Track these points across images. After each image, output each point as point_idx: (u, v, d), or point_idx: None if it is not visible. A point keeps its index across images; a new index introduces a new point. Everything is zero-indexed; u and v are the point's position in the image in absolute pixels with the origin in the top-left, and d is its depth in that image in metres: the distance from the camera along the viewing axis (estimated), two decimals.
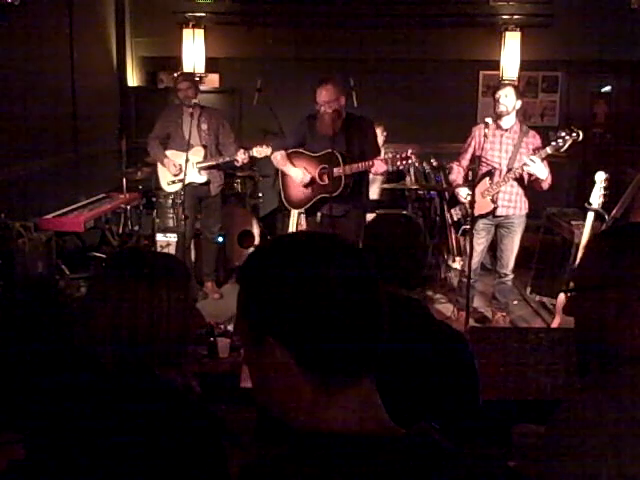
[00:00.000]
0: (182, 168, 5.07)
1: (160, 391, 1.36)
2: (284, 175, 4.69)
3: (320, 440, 0.84)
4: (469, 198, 4.66)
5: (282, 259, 0.91)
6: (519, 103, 4.45)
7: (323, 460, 0.82)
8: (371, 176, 5.62)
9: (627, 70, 7.42)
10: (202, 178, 5.23)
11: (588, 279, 1.29)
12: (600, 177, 4.31)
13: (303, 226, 4.78)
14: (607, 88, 7.69)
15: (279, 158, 4.62)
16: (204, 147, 5.17)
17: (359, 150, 4.41)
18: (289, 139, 4.70)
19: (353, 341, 0.86)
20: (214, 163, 5.19)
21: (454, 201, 4.87)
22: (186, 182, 5.15)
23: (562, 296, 4.02)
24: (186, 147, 5.05)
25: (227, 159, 5.19)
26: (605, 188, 4.30)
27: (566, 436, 1.16)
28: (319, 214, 4.62)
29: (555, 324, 4.36)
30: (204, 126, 5.17)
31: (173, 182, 5.27)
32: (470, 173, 4.84)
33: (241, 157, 5.05)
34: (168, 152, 5.26)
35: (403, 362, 1.60)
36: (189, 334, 1.49)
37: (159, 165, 5.34)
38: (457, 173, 4.81)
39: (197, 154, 5.17)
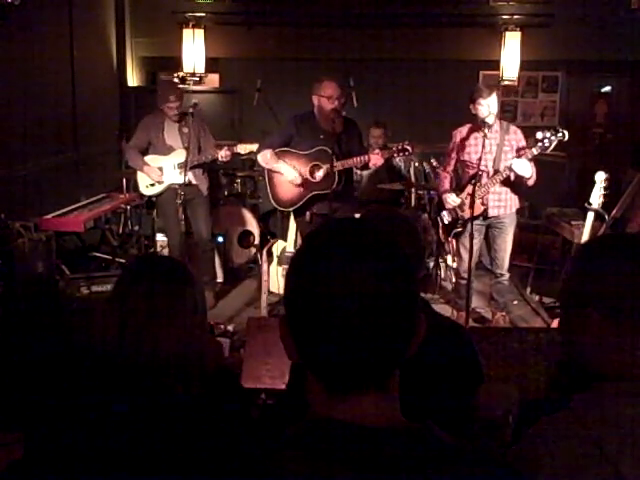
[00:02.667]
0: (163, 171, 5.04)
1: (164, 396, 1.36)
2: (271, 174, 4.66)
3: (329, 426, 0.84)
4: (456, 204, 4.65)
5: (302, 255, 0.90)
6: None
7: (328, 443, 0.82)
8: (368, 176, 5.66)
9: (627, 70, 7.41)
10: (182, 178, 4.96)
11: (567, 294, 1.27)
12: (600, 177, 4.31)
13: None
14: (607, 88, 7.69)
15: (269, 157, 4.57)
16: (186, 149, 4.94)
17: (346, 149, 4.45)
18: (276, 139, 4.65)
19: (354, 356, 0.83)
20: (196, 162, 5.03)
21: (442, 204, 4.86)
22: (167, 184, 5.10)
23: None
24: (167, 151, 5.05)
25: (209, 158, 5.07)
26: (605, 188, 4.30)
27: (530, 455, 1.16)
28: (308, 213, 4.61)
29: (555, 324, 4.36)
30: (185, 129, 5.06)
31: (152, 185, 5.15)
32: (457, 177, 4.86)
33: (223, 153, 4.93)
34: (148, 157, 5.14)
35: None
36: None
37: (138, 172, 5.20)
38: (443, 179, 4.82)
39: (178, 156, 5.07)
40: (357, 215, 4.55)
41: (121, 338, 1.37)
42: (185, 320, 1.40)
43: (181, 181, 4.97)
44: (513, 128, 4.55)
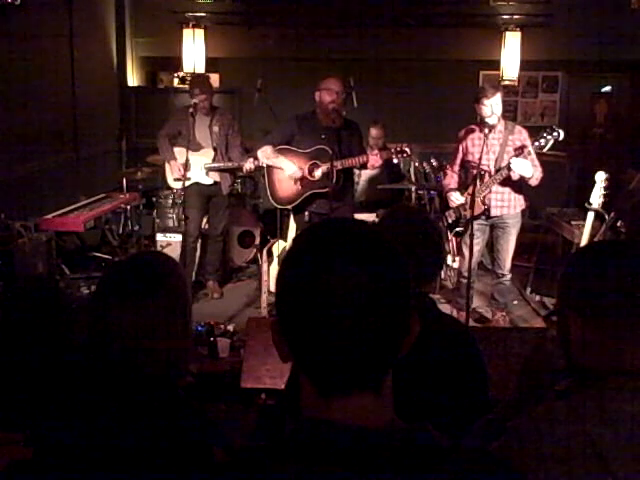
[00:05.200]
0: (186, 168, 5.09)
1: (163, 396, 1.36)
2: (270, 171, 4.66)
3: (323, 427, 0.83)
4: (459, 202, 4.65)
5: (289, 258, 0.89)
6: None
7: (320, 443, 0.82)
8: (367, 177, 5.66)
9: (627, 70, 7.42)
10: (209, 180, 5.24)
11: (557, 296, 1.34)
12: (600, 177, 4.31)
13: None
14: (607, 88, 7.69)
15: (269, 152, 4.58)
16: (214, 149, 5.19)
17: (347, 149, 4.47)
18: (276, 136, 4.66)
19: (347, 358, 0.83)
20: (222, 167, 5.21)
21: (448, 204, 4.87)
22: (192, 182, 5.17)
23: None
24: (195, 147, 5.10)
25: (235, 165, 5.20)
26: (605, 188, 4.30)
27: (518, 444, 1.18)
28: (306, 212, 4.62)
29: None
30: (216, 128, 5.19)
31: (180, 179, 5.28)
32: (463, 176, 4.86)
33: (249, 166, 4.99)
34: (176, 149, 5.21)
35: (409, 357, 1.59)
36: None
37: (166, 163, 5.32)
38: (450, 178, 4.82)
39: (206, 155, 5.18)
40: (359, 216, 4.58)
41: (109, 349, 1.37)
42: (167, 325, 1.39)
43: (207, 181, 5.24)
44: (518, 128, 4.52)
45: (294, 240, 0.93)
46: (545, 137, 4.28)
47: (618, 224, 4.46)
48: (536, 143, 4.31)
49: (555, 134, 4.26)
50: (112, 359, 1.37)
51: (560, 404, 1.21)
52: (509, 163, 4.33)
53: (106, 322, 1.37)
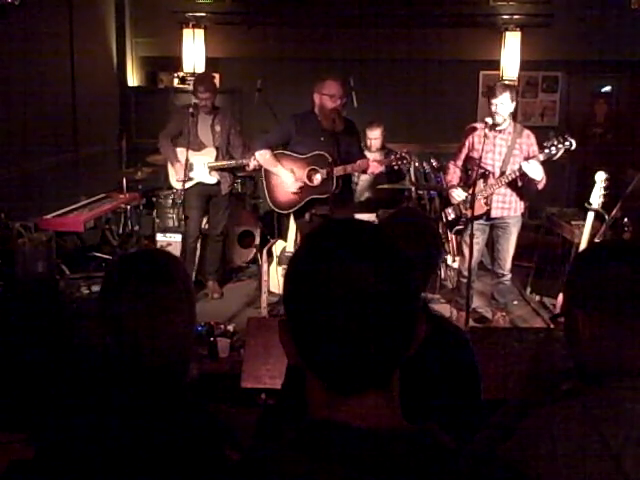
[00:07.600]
0: (186, 169, 5.08)
1: (169, 395, 1.36)
2: (268, 176, 4.62)
3: (330, 428, 0.84)
4: (460, 199, 4.65)
5: (302, 255, 0.89)
6: (513, 105, 4.41)
7: (328, 445, 0.82)
8: (367, 177, 5.66)
9: (627, 70, 7.42)
10: (212, 179, 5.24)
11: (566, 297, 1.34)
12: (600, 177, 4.31)
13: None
14: (607, 88, 7.69)
15: (268, 157, 4.53)
16: (217, 148, 5.19)
17: (345, 151, 4.44)
18: (274, 137, 4.63)
19: (355, 356, 0.83)
20: (225, 165, 5.22)
21: (448, 201, 4.86)
22: (196, 182, 5.18)
23: (561, 296, 4.01)
24: (197, 147, 5.11)
25: (239, 162, 5.19)
26: (605, 188, 4.30)
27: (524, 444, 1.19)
28: (307, 215, 4.60)
29: (552, 325, 4.34)
30: (217, 128, 5.20)
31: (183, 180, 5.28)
32: (466, 175, 4.85)
33: (253, 163, 5.00)
34: (178, 149, 5.19)
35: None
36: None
37: (169, 164, 5.30)
38: (452, 173, 4.80)
39: (209, 154, 5.19)
40: (359, 216, 4.57)
41: (118, 341, 1.37)
42: (175, 316, 1.40)
43: (210, 181, 5.24)
44: (527, 132, 4.50)
45: (302, 240, 0.93)
46: (556, 146, 4.26)
47: (624, 221, 4.46)
48: (546, 151, 4.29)
49: (567, 143, 4.24)
50: (122, 353, 1.37)
51: (573, 404, 1.21)
52: (520, 166, 4.32)
53: (118, 314, 1.37)
